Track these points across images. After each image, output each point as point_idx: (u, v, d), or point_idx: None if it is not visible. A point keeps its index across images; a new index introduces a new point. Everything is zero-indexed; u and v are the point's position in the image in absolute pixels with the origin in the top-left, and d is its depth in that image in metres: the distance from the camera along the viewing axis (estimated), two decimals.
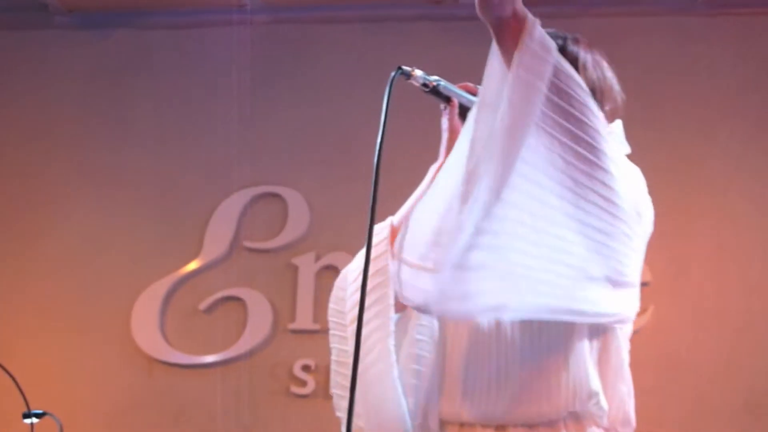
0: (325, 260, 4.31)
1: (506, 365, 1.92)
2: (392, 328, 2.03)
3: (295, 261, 4.33)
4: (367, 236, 1.81)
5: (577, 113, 1.73)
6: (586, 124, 1.73)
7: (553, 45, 1.74)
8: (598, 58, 2.07)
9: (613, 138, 1.99)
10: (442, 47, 4.42)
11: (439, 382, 1.99)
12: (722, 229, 4.06)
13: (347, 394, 1.96)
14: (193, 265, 4.37)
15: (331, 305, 2.19)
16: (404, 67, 1.87)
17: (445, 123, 1.96)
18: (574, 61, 1.98)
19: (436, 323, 2.04)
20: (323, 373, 4.20)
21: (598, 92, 2.00)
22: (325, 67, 4.52)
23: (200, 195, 4.43)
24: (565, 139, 1.73)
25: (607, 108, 2.02)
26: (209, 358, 4.29)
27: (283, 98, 4.49)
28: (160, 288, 4.34)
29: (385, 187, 4.30)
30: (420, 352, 2.04)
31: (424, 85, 1.90)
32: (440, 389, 1.99)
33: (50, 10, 4.62)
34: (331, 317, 2.20)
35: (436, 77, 1.90)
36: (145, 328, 4.32)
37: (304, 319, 4.27)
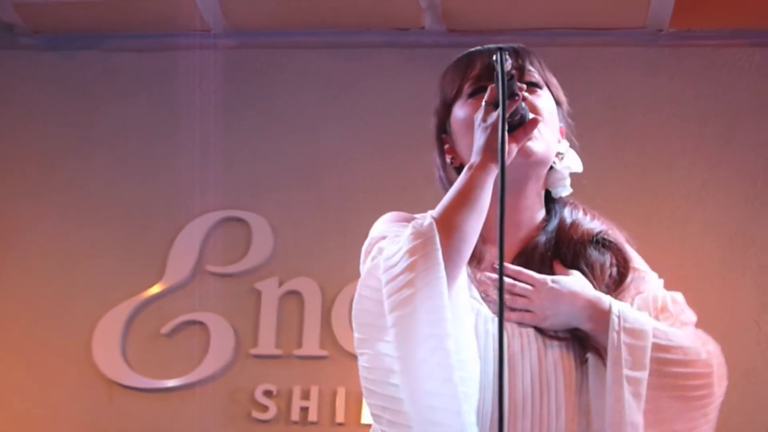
0: (289, 285, 4.30)
1: (549, 410, 1.94)
2: (446, 301, 1.83)
3: (258, 286, 4.32)
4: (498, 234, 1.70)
5: None
6: None
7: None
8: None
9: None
10: (407, 74, 4.45)
11: (485, 424, 1.91)
12: (684, 260, 4.10)
13: (386, 403, 1.86)
14: (155, 289, 4.35)
15: (358, 306, 1.96)
16: (504, 46, 1.92)
17: (491, 119, 1.92)
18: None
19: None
20: (285, 399, 4.19)
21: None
22: (291, 93, 4.52)
23: (163, 218, 4.42)
24: None
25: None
26: (171, 383, 4.26)
27: (248, 123, 4.50)
28: (122, 311, 4.32)
29: (353, 210, 4.33)
30: (464, 374, 1.84)
31: (510, 74, 1.88)
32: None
33: (15, 31, 4.61)
34: (359, 319, 1.95)
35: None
36: (107, 351, 4.29)
37: (266, 344, 4.25)
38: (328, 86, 4.51)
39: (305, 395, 4.17)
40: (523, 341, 1.98)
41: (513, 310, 2.00)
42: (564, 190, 2.16)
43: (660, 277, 2.18)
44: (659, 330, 1.98)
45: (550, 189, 2.16)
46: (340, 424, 4.13)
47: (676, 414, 1.99)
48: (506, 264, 2.00)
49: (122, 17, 4.50)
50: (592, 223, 2.13)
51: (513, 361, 1.96)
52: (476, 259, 2.06)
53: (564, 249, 2.08)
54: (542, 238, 2.09)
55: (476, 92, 2.09)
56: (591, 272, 2.04)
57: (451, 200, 1.94)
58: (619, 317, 1.95)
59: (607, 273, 2.06)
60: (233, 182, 4.40)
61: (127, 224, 4.44)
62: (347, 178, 4.40)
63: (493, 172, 1.93)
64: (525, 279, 2.01)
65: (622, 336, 1.93)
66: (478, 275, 2.05)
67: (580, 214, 2.15)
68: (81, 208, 4.48)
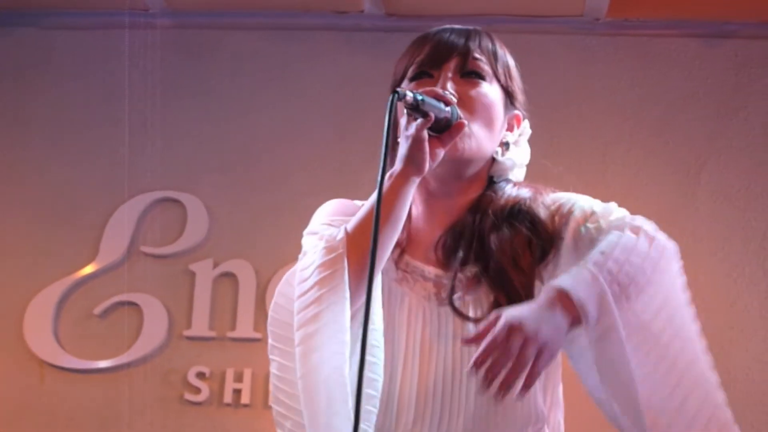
0: (223, 267, 4.29)
1: (459, 394, 1.93)
2: (347, 323, 1.85)
3: (193, 267, 4.30)
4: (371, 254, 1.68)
5: None
6: None
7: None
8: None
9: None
10: (345, 57, 4.45)
11: (392, 408, 1.93)
12: None
13: (291, 413, 1.89)
14: (88, 269, 4.31)
15: (273, 314, 1.99)
16: (399, 90, 1.84)
17: (411, 130, 1.90)
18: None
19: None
20: (217, 381, 4.18)
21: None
22: (228, 74, 4.50)
23: (97, 198, 4.38)
24: None
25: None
26: (103, 364, 4.24)
27: (184, 104, 4.47)
28: (54, 291, 4.28)
29: (289, 193, 4.33)
30: (373, 375, 1.86)
31: (413, 104, 1.86)
32: (393, 416, 1.94)
33: None
34: (273, 327, 1.99)
35: (418, 94, 1.88)
36: (38, 331, 4.25)
37: (200, 326, 4.24)
38: (265, 68, 4.49)
39: (238, 377, 4.16)
40: (441, 324, 1.98)
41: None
42: (509, 173, 2.16)
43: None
44: (600, 264, 1.91)
45: (494, 178, 2.14)
46: None
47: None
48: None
49: None
50: (516, 192, 2.10)
51: (430, 345, 1.96)
52: (403, 245, 2.07)
53: (487, 221, 2.04)
54: (468, 219, 2.07)
55: (417, 77, 2.09)
56: (504, 248, 2.00)
57: (365, 213, 1.95)
58: (570, 288, 1.85)
59: (525, 243, 2.00)
60: (169, 163, 4.38)
61: (60, 204, 4.40)
62: (283, 160, 4.39)
63: (414, 182, 1.95)
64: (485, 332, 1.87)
65: (581, 293, 1.84)
66: (406, 258, 2.06)
67: (513, 189, 2.11)
68: (13, 188, 4.44)
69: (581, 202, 2.09)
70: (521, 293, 1.95)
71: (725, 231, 4.22)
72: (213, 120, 4.45)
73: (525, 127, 2.20)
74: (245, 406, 4.15)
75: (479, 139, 2.05)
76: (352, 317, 1.87)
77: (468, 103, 2.03)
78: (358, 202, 2.15)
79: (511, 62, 2.19)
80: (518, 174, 2.17)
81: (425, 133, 1.91)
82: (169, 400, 4.19)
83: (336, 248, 1.91)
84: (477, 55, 2.10)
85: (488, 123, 2.07)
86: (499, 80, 2.13)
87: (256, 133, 4.43)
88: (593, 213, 2.05)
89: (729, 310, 4.15)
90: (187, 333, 4.25)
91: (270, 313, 2.00)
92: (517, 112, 2.17)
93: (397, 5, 4.38)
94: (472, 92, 2.06)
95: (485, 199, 2.08)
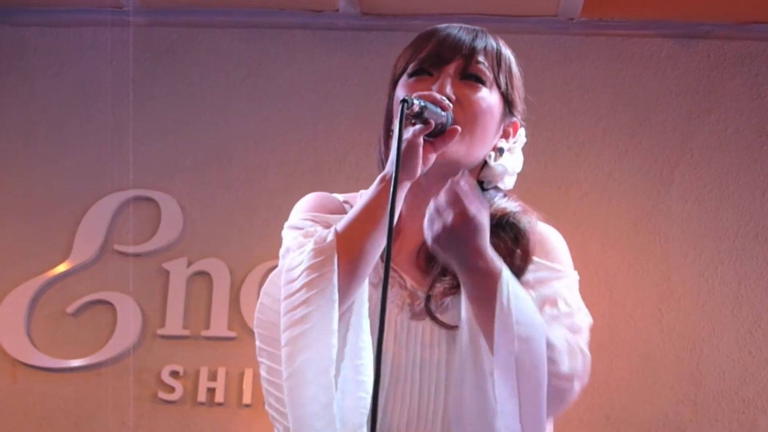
0: (197, 266, 4.28)
1: (427, 410, 1.93)
2: (335, 326, 1.84)
3: (167, 266, 4.29)
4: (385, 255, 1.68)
5: None
6: None
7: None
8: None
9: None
10: (320, 56, 4.45)
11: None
12: (589, 247, 4.16)
13: (281, 417, 1.88)
14: (61, 268, 4.30)
15: (259, 315, 1.96)
16: (408, 99, 1.83)
17: (408, 134, 1.89)
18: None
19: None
20: (191, 379, 4.17)
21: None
22: (203, 72, 4.50)
23: (71, 197, 4.36)
24: None
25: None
26: (76, 362, 4.22)
27: (159, 102, 4.46)
28: (27, 290, 4.26)
29: (263, 192, 4.32)
30: (362, 378, 1.88)
31: (417, 112, 1.86)
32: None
33: None
34: (259, 328, 1.96)
35: (422, 101, 1.87)
36: (11, 330, 4.23)
37: (173, 325, 4.23)
38: (240, 66, 4.49)
39: (212, 376, 4.16)
40: (409, 338, 1.98)
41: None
42: (501, 185, 2.14)
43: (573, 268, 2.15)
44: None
45: (483, 183, 2.13)
46: (247, 406, 4.12)
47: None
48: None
49: None
50: (505, 206, 2.10)
51: (398, 358, 1.96)
52: (397, 245, 2.06)
53: None
54: None
55: (416, 73, 2.08)
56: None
57: (357, 215, 1.93)
58: (509, 280, 1.87)
59: (506, 254, 1.98)
60: (143, 161, 4.36)
61: (33, 202, 4.38)
62: (258, 159, 4.38)
63: (405, 186, 1.93)
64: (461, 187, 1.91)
65: (514, 295, 1.85)
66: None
67: (503, 200, 2.11)
68: None
69: (562, 287, 2.06)
70: None
71: (697, 231, 4.25)
72: (187, 118, 4.44)
73: (521, 135, 2.19)
74: (219, 404, 4.14)
75: (470, 144, 2.04)
76: (340, 319, 1.86)
77: (464, 107, 2.03)
78: (338, 196, 2.15)
79: (516, 69, 2.19)
80: (509, 182, 2.15)
81: (421, 139, 1.90)
82: (142, 398, 4.17)
83: (325, 251, 1.88)
84: (480, 59, 2.09)
85: (482, 128, 2.06)
86: (499, 87, 2.12)
87: (230, 132, 4.43)
88: (554, 305, 2.02)
89: (701, 310, 4.17)
90: (160, 332, 4.24)
91: (256, 314, 1.97)
92: (515, 119, 2.17)
93: (372, 4, 4.38)
94: (470, 96, 2.05)
95: None
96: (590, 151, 4.33)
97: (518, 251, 2.03)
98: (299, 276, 1.88)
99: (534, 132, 4.43)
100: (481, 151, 2.08)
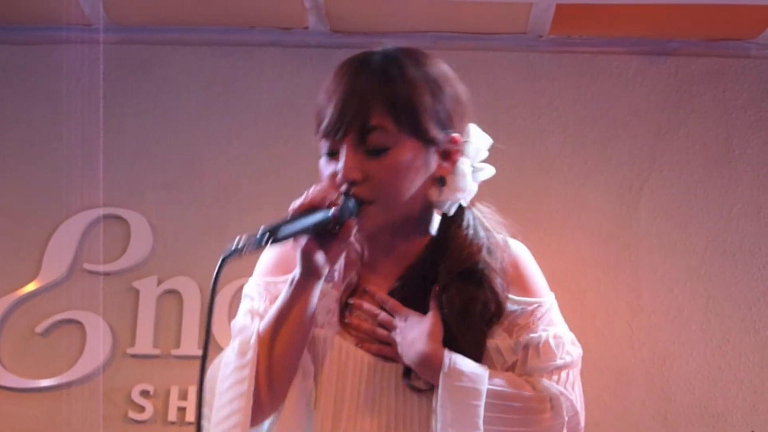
0: (167, 285, 4.26)
1: None
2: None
3: (137, 285, 4.27)
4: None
5: None
6: None
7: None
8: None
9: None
10: (290, 73, 4.45)
11: None
12: (560, 264, 4.17)
13: None
14: (30, 287, 4.27)
15: (208, 388, 2.02)
16: (232, 248, 1.81)
17: (300, 244, 1.93)
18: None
19: None
20: (162, 399, 4.15)
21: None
22: (173, 90, 4.49)
23: (40, 215, 4.34)
24: None
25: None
26: (45, 382, 4.20)
27: (128, 120, 4.45)
28: None
29: (234, 210, 4.30)
30: None
31: (261, 245, 1.82)
32: None
33: None
34: (205, 409, 2.02)
35: (265, 228, 1.84)
36: None
37: (143, 344, 4.21)
38: (210, 84, 4.48)
39: (183, 395, 4.14)
40: (383, 380, 2.00)
41: (376, 342, 2.02)
42: (452, 209, 2.10)
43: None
44: (496, 389, 1.94)
45: (437, 211, 2.10)
46: None
47: None
48: (376, 290, 2.03)
49: (0, 9, 4.41)
50: (470, 247, 2.05)
51: (372, 400, 1.98)
52: (351, 286, 2.07)
53: (439, 276, 2.03)
54: (419, 264, 2.05)
55: (327, 151, 2.08)
56: (453, 310, 1.99)
57: (275, 316, 1.98)
58: (449, 375, 1.91)
59: (476, 311, 1.99)
60: (112, 180, 4.35)
61: (2, 220, 4.36)
62: (228, 177, 4.38)
63: (317, 284, 1.96)
64: (390, 308, 2.02)
65: (451, 395, 1.90)
66: (351, 300, 2.06)
67: (469, 231, 2.08)
68: None
69: (541, 324, 2.07)
70: (467, 353, 1.96)
71: (667, 246, 4.27)
72: (157, 136, 4.43)
73: (465, 143, 2.12)
74: (190, 424, 4.12)
75: (391, 210, 1.99)
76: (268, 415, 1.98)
77: (371, 182, 1.97)
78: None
79: (434, 98, 2.05)
80: (470, 195, 2.12)
81: (310, 245, 1.91)
82: (112, 418, 4.15)
83: (245, 352, 1.97)
84: (374, 123, 1.97)
85: (398, 189, 1.99)
86: (410, 134, 1.99)
87: (200, 150, 4.42)
88: (535, 355, 2.03)
89: (670, 325, 4.19)
90: (130, 351, 4.22)
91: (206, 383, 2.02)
92: (450, 135, 2.07)
93: (342, 22, 4.39)
94: (376, 169, 1.97)
95: (436, 250, 2.05)
96: (559, 168, 4.34)
97: (491, 305, 2.01)
98: (229, 374, 1.98)
99: (502, 149, 4.45)
100: (405, 205, 2.02)
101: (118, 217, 4.35)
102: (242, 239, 1.80)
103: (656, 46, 4.45)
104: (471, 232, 2.07)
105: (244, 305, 2.12)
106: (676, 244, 4.27)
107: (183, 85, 4.49)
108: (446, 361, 1.92)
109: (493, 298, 2.01)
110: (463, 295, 1.98)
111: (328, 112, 2.02)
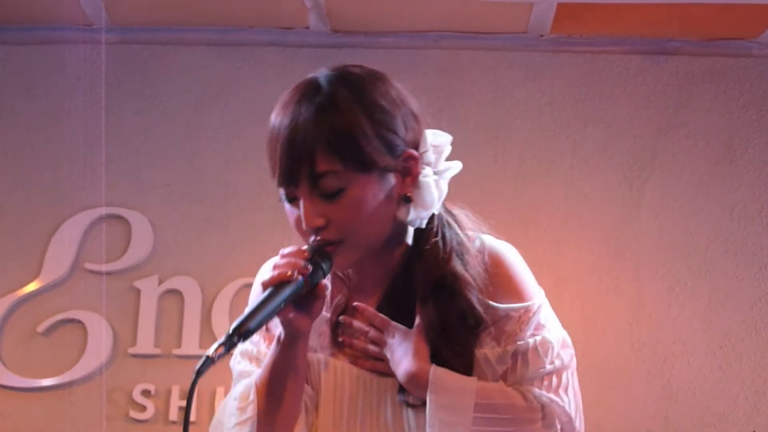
0: (168, 284, 4.26)
1: None
2: None
3: (138, 284, 4.28)
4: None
5: None
6: None
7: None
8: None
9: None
10: (291, 73, 4.44)
11: None
12: (561, 263, 4.17)
13: None
14: (32, 287, 4.28)
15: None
16: (205, 358, 1.87)
17: (280, 323, 1.96)
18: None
19: None
20: (163, 399, 4.16)
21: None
22: (174, 90, 4.49)
23: (41, 215, 4.35)
24: None
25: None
26: (47, 382, 4.20)
27: (129, 119, 4.45)
28: None
29: (235, 210, 4.29)
30: None
31: (234, 345, 1.86)
32: None
33: None
34: None
35: (232, 327, 1.85)
36: None
37: (145, 344, 4.21)
38: (211, 84, 4.48)
39: (184, 395, 4.14)
40: (380, 393, 2.00)
41: (370, 358, 2.03)
42: (424, 222, 2.05)
43: (540, 276, 2.13)
44: (485, 402, 1.93)
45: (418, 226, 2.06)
46: None
47: None
48: (364, 307, 2.03)
49: (1, 8, 4.41)
50: (438, 257, 2.02)
51: (369, 413, 1.99)
52: (341, 306, 2.08)
53: (417, 288, 2.02)
54: (400, 277, 2.04)
55: (288, 200, 2.03)
56: (432, 323, 1.98)
57: (268, 370, 2.00)
58: (433, 392, 1.91)
59: (453, 322, 1.97)
60: (113, 179, 4.35)
61: (3, 220, 4.36)
62: (229, 176, 4.38)
63: (304, 338, 1.97)
64: (378, 324, 2.02)
65: (438, 412, 1.90)
66: (342, 318, 2.06)
67: (438, 239, 2.04)
68: None
69: (543, 332, 2.04)
70: (454, 365, 1.95)
71: (668, 246, 4.27)
72: (158, 136, 4.44)
73: (422, 157, 2.03)
74: (191, 423, 4.11)
75: (358, 246, 1.98)
76: None
77: (336, 224, 1.94)
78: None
79: (378, 123, 1.97)
80: (439, 201, 2.05)
81: (288, 314, 1.93)
82: (114, 418, 4.15)
83: (246, 408, 2.02)
84: (322, 170, 1.93)
85: (363, 226, 1.96)
86: (362, 171, 1.95)
87: (201, 150, 4.42)
88: (525, 363, 2.00)
89: (672, 325, 4.19)
90: (132, 350, 4.22)
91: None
92: (401, 160, 2.00)
93: (343, 22, 4.39)
94: (335, 210, 1.93)
95: (412, 263, 2.03)
96: (560, 168, 4.34)
97: (468, 314, 1.99)
98: (233, 413, 2.04)
99: (504, 148, 4.47)
100: (377, 231, 2.00)
101: (120, 217, 4.35)
102: (213, 347, 1.86)
103: (657, 45, 4.44)
104: (440, 240, 2.04)
105: (241, 349, 2.12)
106: (677, 244, 4.27)
107: (184, 84, 4.49)
108: (431, 378, 1.91)
109: (468, 307, 1.98)
110: (438, 307, 1.97)
111: (276, 162, 1.98)
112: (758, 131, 4.38)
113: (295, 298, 1.90)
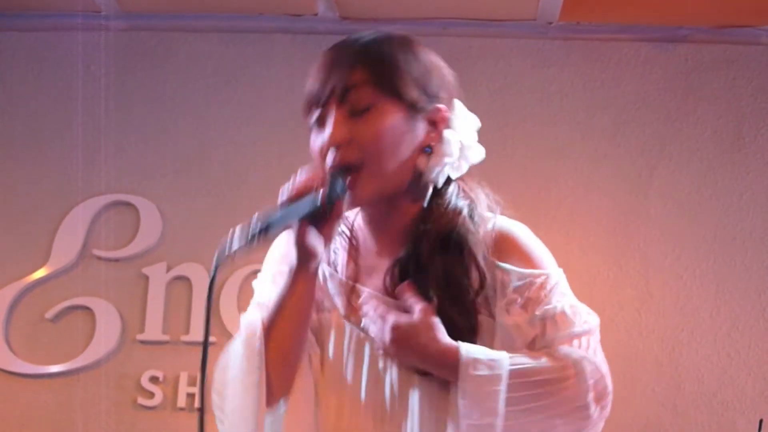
0: (177, 271, 4.27)
1: (405, 425, 1.96)
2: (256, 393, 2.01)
3: (146, 271, 4.28)
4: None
5: None
6: None
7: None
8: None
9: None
10: (299, 60, 4.44)
11: None
12: (569, 251, 4.16)
13: None
14: (40, 273, 4.29)
15: (213, 395, 2.16)
16: (224, 255, 1.93)
17: (292, 240, 1.96)
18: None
19: None
20: (171, 385, 4.16)
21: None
22: (182, 77, 4.49)
23: (49, 202, 4.35)
24: None
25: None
26: (55, 368, 4.21)
27: (137, 106, 4.45)
28: (5, 295, 4.25)
29: (243, 196, 4.30)
30: None
31: (251, 241, 1.89)
32: None
33: None
34: (214, 389, 2.17)
35: (255, 224, 1.89)
36: None
37: (153, 330, 4.22)
38: (219, 70, 4.48)
39: (192, 381, 4.15)
40: (386, 359, 1.99)
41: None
42: (453, 175, 2.07)
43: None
44: (517, 368, 1.91)
45: (428, 182, 2.07)
46: None
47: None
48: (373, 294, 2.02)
49: None
50: (448, 214, 2.03)
51: (376, 376, 1.99)
52: (365, 272, 2.08)
53: (423, 245, 2.02)
54: (413, 237, 2.03)
55: (315, 123, 2.05)
56: (437, 280, 1.98)
57: (278, 305, 2.01)
58: (468, 365, 1.89)
59: (457, 277, 1.98)
60: (122, 166, 4.36)
61: (12, 207, 4.37)
62: (237, 163, 4.38)
63: (315, 266, 1.98)
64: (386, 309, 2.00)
65: (469, 386, 1.88)
66: (361, 289, 2.05)
67: (450, 198, 2.05)
68: None
69: (570, 299, 2.05)
70: (460, 326, 1.95)
71: (676, 233, 4.26)
72: (167, 122, 4.44)
73: (453, 117, 2.07)
74: (199, 410, 4.12)
75: (382, 176, 1.99)
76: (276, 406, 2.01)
77: (359, 144, 1.96)
78: None
79: (413, 64, 2.03)
80: (460, 166, 2.08)
81: (303, 230, 1.94)
82: (122, 404, 4.16)
83: (254, 343, 2.04)
84: (354, 80, 1.98)
85: (384, 151, 1.97)
86: (395, 95, 1.99)
87: (210, 136, 4.42)
88: (553, 325, 2.01)
89: (679, 312, 4.19)
90: (140, 337, 4.23)
91: (212, 393, 2.16)
92: (431, 111, 2.03)
93: (351, 8, 4.39)
94: (362, 130, 1.96)
95: (423, 222, 2.03)
96: (569, 155, 4.34)
97: (471, 271, 1.99)
98: (238, 366, 2.10)
99: (513, 136, 4.46)
100: (396, 173, 2.00)
101: (128, 204, 4.36)
102: (234, 237, 1.91)
103: (666, 32, 4.44)
104: (452, 200, 2.06)
105: (253, 299, 2.15)
106: (685, 231, 4.27)
107: (192, 71, 4.49)
108: (463, 352, 1.90)
109: (473, 264, 1.98)
110: (444, 261, 1.97)
111: (313, 84, 2.03)
112: (767, 119, 4.38)
113: (312, 213, 1.92)
